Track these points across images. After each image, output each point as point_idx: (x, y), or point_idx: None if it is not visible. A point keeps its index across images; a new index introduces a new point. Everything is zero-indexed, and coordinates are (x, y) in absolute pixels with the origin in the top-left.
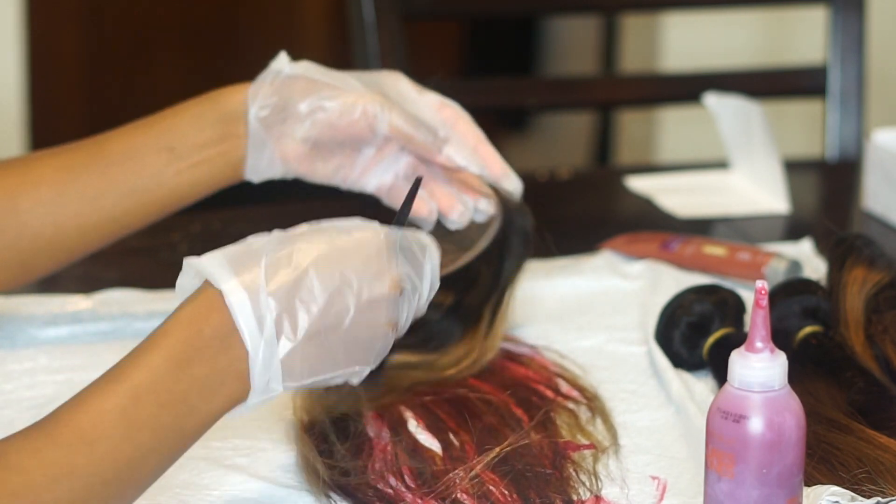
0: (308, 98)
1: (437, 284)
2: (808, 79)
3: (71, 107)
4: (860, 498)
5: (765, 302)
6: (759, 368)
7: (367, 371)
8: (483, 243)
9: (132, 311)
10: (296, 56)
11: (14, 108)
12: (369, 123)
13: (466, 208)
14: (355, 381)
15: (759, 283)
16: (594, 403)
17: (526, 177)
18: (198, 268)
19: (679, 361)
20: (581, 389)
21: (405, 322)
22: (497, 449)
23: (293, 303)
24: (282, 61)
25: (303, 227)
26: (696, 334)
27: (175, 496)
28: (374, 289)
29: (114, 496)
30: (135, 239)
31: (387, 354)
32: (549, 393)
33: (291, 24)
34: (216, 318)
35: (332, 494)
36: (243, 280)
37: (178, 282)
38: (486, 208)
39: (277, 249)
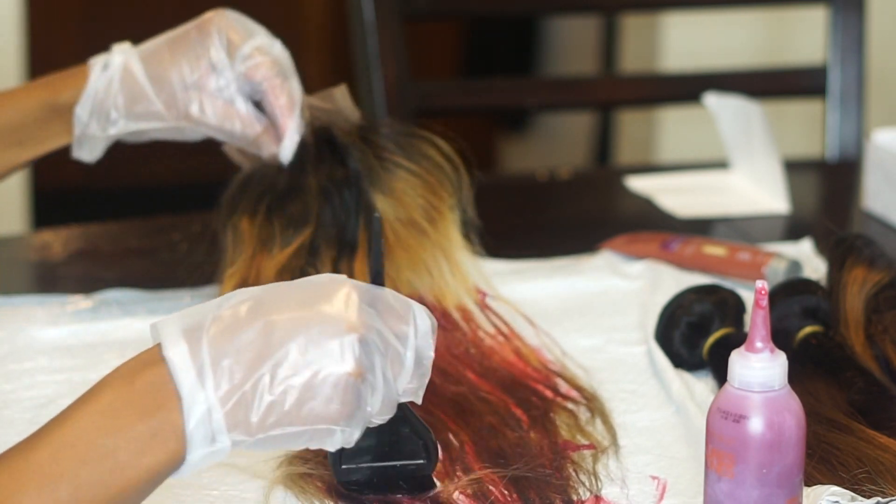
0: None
1: (430, 358)
2: (808, 79)
3: None
4: (860, 498)
5: (765, 302)
6: (759, 368)
7: (354, 434)
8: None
9: (132, 311)
10: (296, 56)
11: None
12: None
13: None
14: (338, 443)
15: (759, 284)
16: (594, 403)
17: (526, 177)
18: (154, 329)
19: (679, 361)
20: (580, 389)
21: (380, 374)
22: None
23: (233, 353)
24: (124, 48)
25: (269, 286)
26: (696, 334)
27: (174, 496)
28: (332, 369)
29: None
30: (135, 239)
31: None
32: (549, 393)
33: (291, 24)
34: (153, 371)
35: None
36: (186, 332)
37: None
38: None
39: (228, 304)
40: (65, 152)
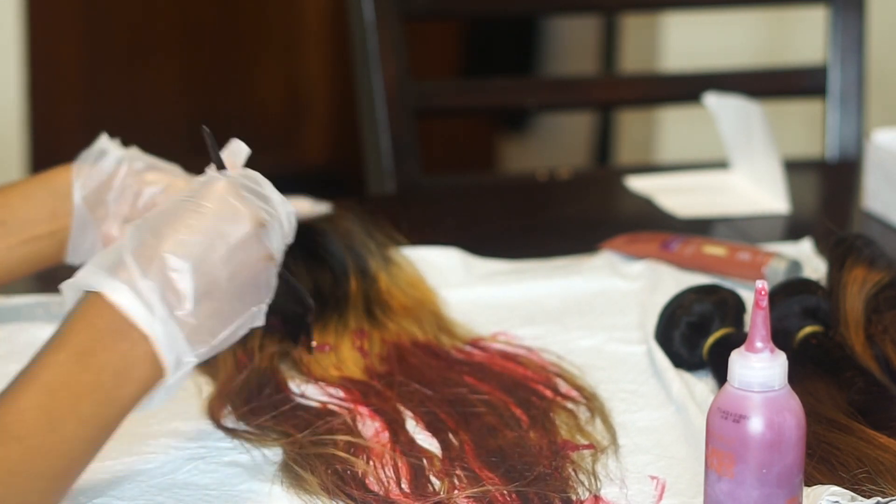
0: (132, 181)
1: (293, 209)
2: (809, 79)
3: (71, 107)
4: (860, 498)
5: (765, 302)
6: (759, 368)
7: (264, 308)
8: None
9: None
10: (296, 56)
11: (14, 109)
12: None
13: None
14: (259, 322)
15: (759, 284)
16: (593, 403)
17: (526, 177)
18: (74, 285)
19: (679, 361)
20: (580, 389)
21: (278, 251)
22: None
23: (168, 276)
24: (104, 142)
25: (153, 209)
26: (696, 334)
27: (174, 496)
28: (237, 231)
29: (50, 489)
30: None
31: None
32: (549, 393)
33: (291, 24)
34: (106, 315)
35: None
36: (119, 276)
37: (65, 309)
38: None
39: (136, 239)
40: (65, 151)
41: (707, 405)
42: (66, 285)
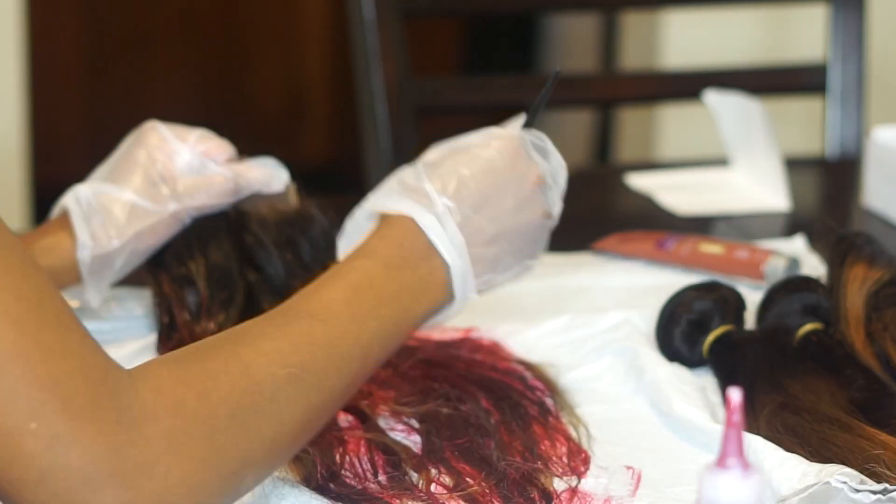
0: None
1: (566, 173)
2: (809, 76)
3: (71, 107)
4: (870, 481)
5: (737, 418)
6: (728, 489)
7: (535, 265)
8: None
9: (132, 310)
10: (296, 55)
11: (14, 109)
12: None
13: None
14: (527, 274)
15: (734, 396)
16: (565, 395)
17: None
18: (374, 207)
19: (679, 359)
20: (551, 382)
21: (556, 211)
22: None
23: (468, 213)
24: (78, 191)
25: (441, 150)
26: (696, 332)
27: None
28: (525, 186)
29: (347, 373)
30: None
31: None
32: (519, 385)
33: (291, 23)
34: (412, 238)
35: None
36: (424, 204)
37: (346, 230)
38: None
39: (434, 172)
40: (65, 150)
41: (680, 394)
42: (368, 206)
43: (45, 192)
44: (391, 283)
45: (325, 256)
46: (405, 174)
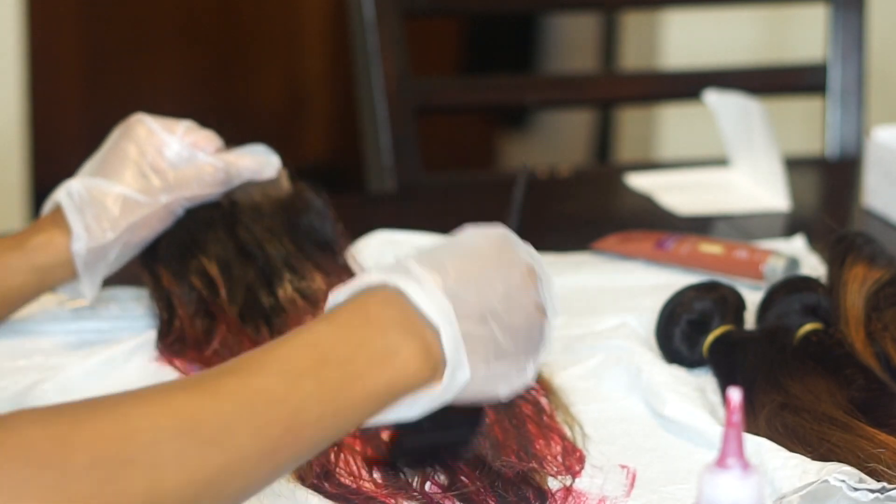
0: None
1: (556, 287)
2: (809, 76)
3: (71, 107)
4: (869, 480)
5: (737, 418)
6: (728, 489)
7: (535, 369)
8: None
9: (130, 308)
10: (296, 55)
11: (14, 108)
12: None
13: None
14: (525, 380)
15: (734, 396)
16: (560, 395)
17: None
18: (363, 283)
19: (679, 358)
20: (542, 380)
21: (549, 307)
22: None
23: (454, 288)
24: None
25: (426, 246)
26: (696, 332)
27: None
28: (514, 274)
29: (266, 434)
30: None
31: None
32: None
33: (291, 23)
34: (385, 304)
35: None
36: (410, 277)
37: (331, 301)
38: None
39: (421, 258)
40: (65, 150)
41: (675, 394)
42: (348, 288)
43: (45, 192)
44: (342, 344)
45: (322, 239)
46: (384, 262)
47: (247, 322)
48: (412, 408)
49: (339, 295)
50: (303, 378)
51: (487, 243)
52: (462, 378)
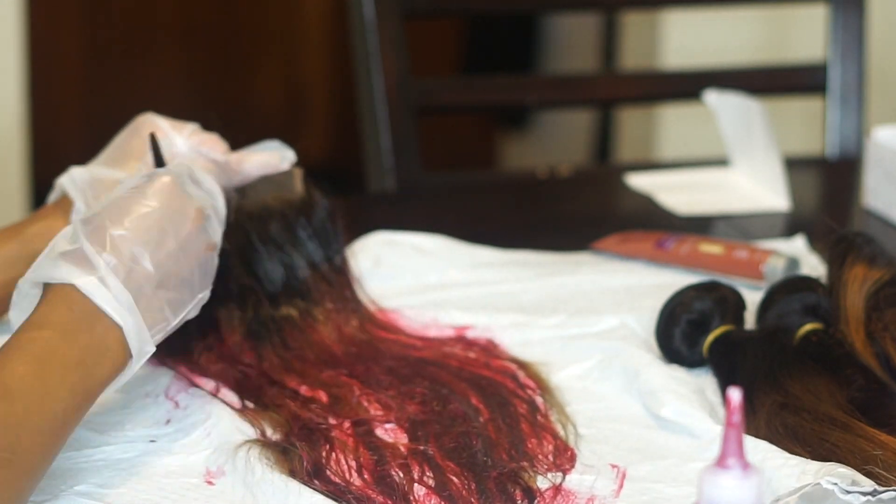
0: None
1: (225, 195)
2: (809, 76)
3: (71, 107)
4: (862, 482)
5: (737, 418)
6: (729, 488)
7: (208, 294)
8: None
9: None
10: (296, 55)
11: (14, 108)
12: None
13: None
14: (199, 308)
15: (734, 396)
16: (552, 394)
17: (526, 174)
18: (35, 278)
19: (679, 358)
20: (539, 380)
21: (218, 239)
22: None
23: (130, 266)
24: (74, 173)
25: (99, 204)
26: (696, 332)
27: (156, 483)
28: (185, 225)
29: (48, 451)
30: None
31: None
32: (510, 383)
33: (291, 23)
34: (79, 302)
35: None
36: (85, 267)
37: (14, 300)
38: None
39: (92, 231)
40: (65, 150)
41: (665, 393)
42: (30, 277)
43: (45, 192)
44: (72, 349)
45: (328, 242)
46: (62, 237)
47: (249, 333)
48: (116, 384)
49: (26, 285)
50: (59, 390)
51: (157, 198)
52: (149, 351)
